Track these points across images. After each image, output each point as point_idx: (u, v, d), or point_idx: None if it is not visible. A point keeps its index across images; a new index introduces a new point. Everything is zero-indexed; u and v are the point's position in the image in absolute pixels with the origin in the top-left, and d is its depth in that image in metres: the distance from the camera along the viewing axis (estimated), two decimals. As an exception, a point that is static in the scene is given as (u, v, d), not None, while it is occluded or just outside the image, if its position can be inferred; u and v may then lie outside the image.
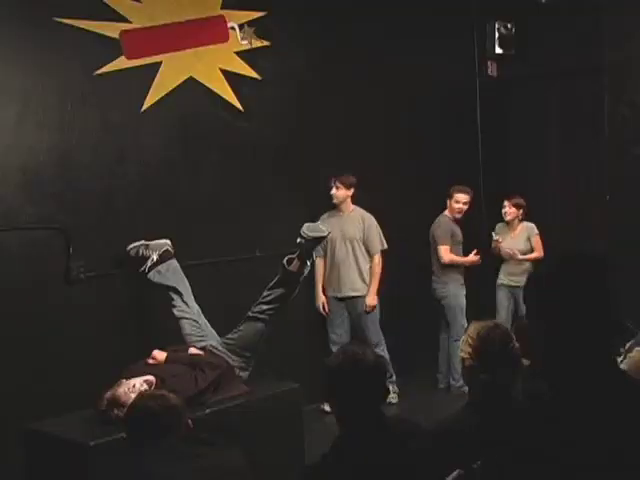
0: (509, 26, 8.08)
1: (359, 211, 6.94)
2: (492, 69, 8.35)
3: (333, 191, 6.81)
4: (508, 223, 7.50)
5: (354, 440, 2.86)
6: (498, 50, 8.11)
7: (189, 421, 3.25)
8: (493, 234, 7.52)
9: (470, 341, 3.09)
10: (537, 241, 7.41)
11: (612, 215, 7.60)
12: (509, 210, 7.44)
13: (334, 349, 6.53)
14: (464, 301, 7.27)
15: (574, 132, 7.97)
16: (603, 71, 7.63)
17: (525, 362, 3.33)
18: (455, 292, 7.25)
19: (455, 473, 2.78)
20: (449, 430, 3.05)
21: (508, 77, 8.33)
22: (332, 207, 6.93)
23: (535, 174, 8.20)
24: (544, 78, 8.01)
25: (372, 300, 6.92)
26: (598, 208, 7.74)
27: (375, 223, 6.94)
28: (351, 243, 6.87)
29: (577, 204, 7.93)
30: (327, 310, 6.95)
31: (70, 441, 4.33)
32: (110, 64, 5.70)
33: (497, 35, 8.07)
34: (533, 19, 8.04)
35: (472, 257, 7.28)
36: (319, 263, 6.89)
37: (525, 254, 7.39)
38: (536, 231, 7.43)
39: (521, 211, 7.45)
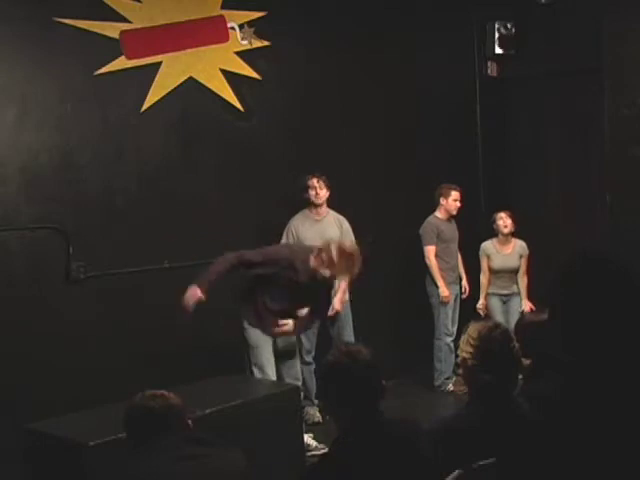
0: (509, 26, 8.06)
1: (333, 214, 6.62)
2: (492, 69, 8.34)
3: (318, 191, 6.46)
4: (504, 236, 7.19)
5: (354, 440, 2.86)
6: (498, 50, 8.09)
7: (189, 421, 3.24)
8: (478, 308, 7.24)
9: (471, 341, 3.08)
10: (526, 262, 7.20)
11: (612, 215, 7.59)
12: (507, 222, 7.13)
13: (308, 358, 6.47)
14: (450, 301, 7.22)
15: (574, 132, 7.95)
16: (603, 71, 7.62)
17: (525, 362, 3.33)
18: (440, 291, 7.18)
19: (455, 473, 2.78)
20: (449, 430, 3.04)
21: (508, 77, 8.31)
22: (302, 207, 6.55)
23: (535, 174, 8.18)
24: (544, 78, 8.00)
25: None
26: (598, 208, 7.73)
27: (349, 226, 6.63)
28: None
29: (577, 204, 7.91)
30: None
31: (70, 441, 4.32)
32: (110, 64, 5.71)
33: (497, 35, 8.05)
34: (533, 19, 8.03)
35: (444, 288, 7.11)
36: None
37: (516, 272, 7.20)
38: (527, 250, 7.23)
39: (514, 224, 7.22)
